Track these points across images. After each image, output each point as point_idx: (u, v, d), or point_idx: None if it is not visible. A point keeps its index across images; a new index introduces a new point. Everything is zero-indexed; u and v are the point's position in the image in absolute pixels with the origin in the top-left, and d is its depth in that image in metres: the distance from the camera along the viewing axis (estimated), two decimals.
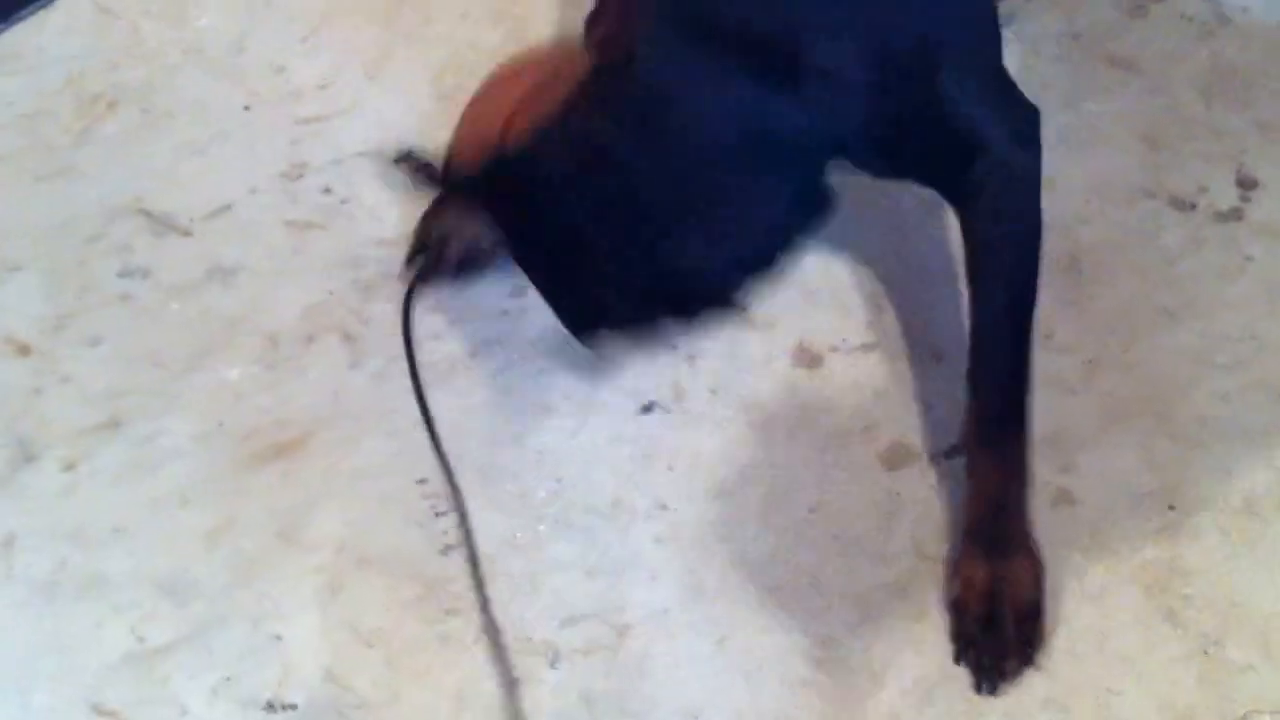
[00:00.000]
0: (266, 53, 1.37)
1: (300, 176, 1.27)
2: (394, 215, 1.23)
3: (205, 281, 1.19)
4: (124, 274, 1.20)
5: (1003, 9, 1.33)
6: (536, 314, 1.16)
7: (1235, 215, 1.19)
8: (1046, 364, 1.09)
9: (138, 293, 1.19)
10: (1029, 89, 1.27)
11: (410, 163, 1.26)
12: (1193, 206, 1.20)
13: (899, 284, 1.16)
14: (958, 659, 0.94)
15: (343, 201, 1.25)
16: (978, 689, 0.92)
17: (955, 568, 0.98)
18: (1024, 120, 1.02)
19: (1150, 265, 1.16)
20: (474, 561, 1.00)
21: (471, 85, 1.31)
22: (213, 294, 1.18)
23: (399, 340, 1.13)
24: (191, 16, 1.40)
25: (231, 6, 1.41)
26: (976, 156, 0.98)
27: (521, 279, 1.17)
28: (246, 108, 1.32)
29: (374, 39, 1.37)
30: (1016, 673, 0.93)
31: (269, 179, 1.27)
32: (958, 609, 0.96)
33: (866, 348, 1.13)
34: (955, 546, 0.99)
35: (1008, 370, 0.98)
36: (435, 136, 1.27)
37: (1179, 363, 1.09)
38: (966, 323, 1.12)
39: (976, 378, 0.99)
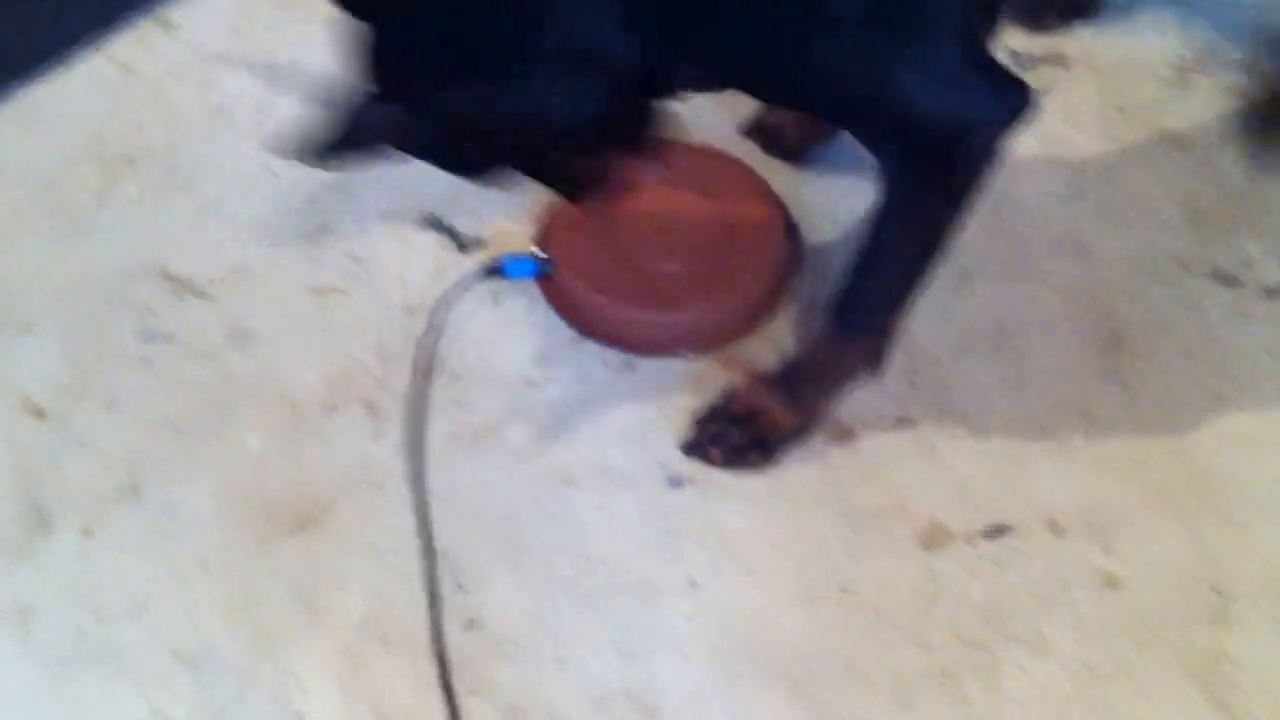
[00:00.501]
0: (290, 114, 1.43)
1: (323, 240, 1.33)
2: (418, 281, 1.28)
3: (226, 346, 1.24)
4: (143, 337, 1.26)
5: (1042, 79, 1.41)
6: (561, 384, 1.21)
7: None
8: (1089, 443, 1.14)
9: (157, 356, 1.24)
10: (1069, 160, 1.35)
11: (438, 229, 1.33)
12: (1238, 281, 1.25)
13: (934, 357, 1.21)
14: (686, 449, 1.16)
15: (366, 267, 1.30)
16: (685, 450, 1.16)
17: (741, 386, 1.16)
18: (966, 84, 0.96)
19: (1195, 341, 1.21)
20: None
21: None
22: (233, 359, 1.23)
23: (421, 410, 1.18)
24: (216, 77, 1.47)
25: (257, 67, 1.48)
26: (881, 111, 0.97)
27: (548, 345, 1.23)
28: (270, 170, 1.38)
29: None
30: (716, 464, 1.15)
31: (291, 242, 1.32)
32: (715, 410, 1.16)
33: (901, 422, 1.17)
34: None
35: (876, 289, 1.10)
36: (462, 202, 1.34)
37: (1225, 443, 1.13)
38: (1006, 399, 1.18)
39: (853, 276, 1.09)
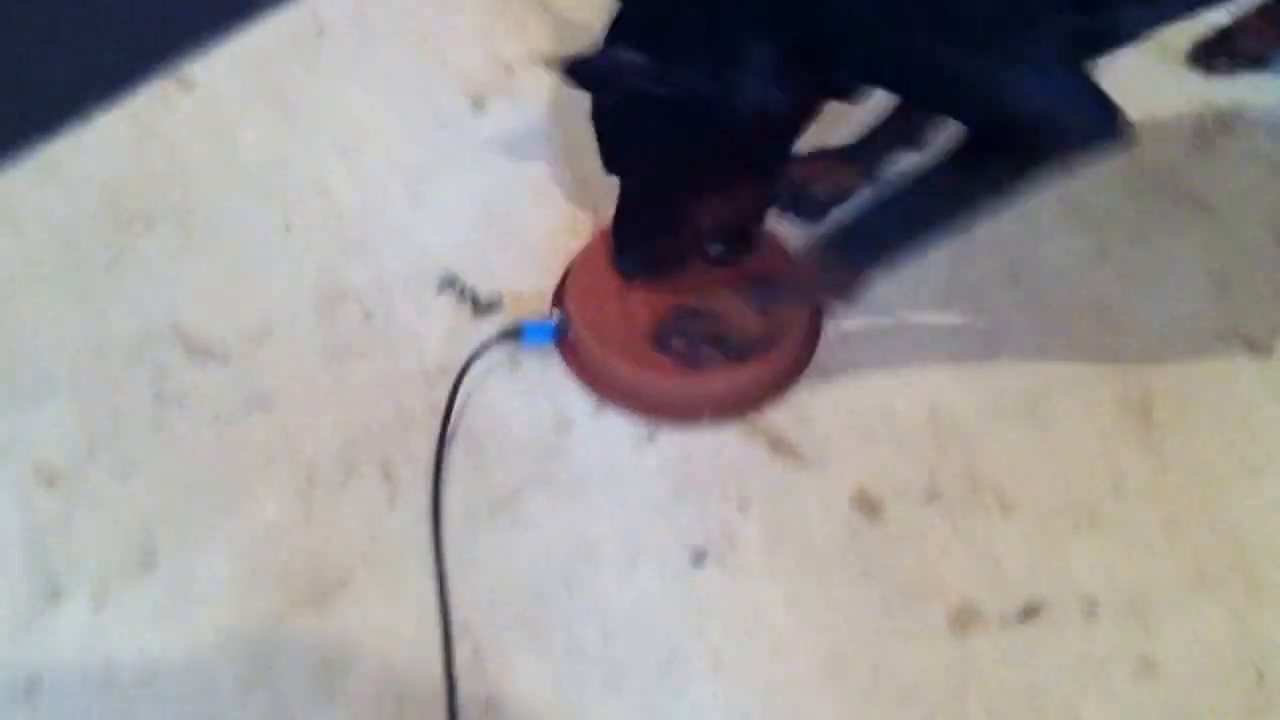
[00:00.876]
0: (309, 172, 1.43)
1: (341, 301, 1.32)
2: (435, 344, 1.28)
3: (242, 410, 1.24)
4: (159, 400, 1.25)
5: None
6: (582, 452, 1.20)
7: None
8: (1122, 519, 1.13)
9: (172, 420, 1.23)
10: (1092, 223, 1.35)
11: (454, 289, 1.33)
12: (1269, 349, 1.24)
13: (962, 423, 1.20)
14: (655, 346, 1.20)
15: (383, 328, 1.30)
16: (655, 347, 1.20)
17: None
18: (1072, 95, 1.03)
19: (1227, 412, 1.20)
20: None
21: (516, 212, 1.39)
22: (250, 423, 1.23)
23: (439, 478, 1.17)
24: (234, 134, 1.48)
25: (275, 124, 1.48)
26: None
27: (568, 412, 1.22)
28: (287, 228, 1.38)
29: (418, 161, 1.44)
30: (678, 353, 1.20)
31: (309, 303, 1.32)
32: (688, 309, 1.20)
33: (930, 496, 1.16)
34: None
35: (892, 222, 1.10)
36: (478, 263, 1.34)
37: (1265, 519, 1.12)
38: (1035, 469, 1.16)
39: (874, 204, 1.10)
